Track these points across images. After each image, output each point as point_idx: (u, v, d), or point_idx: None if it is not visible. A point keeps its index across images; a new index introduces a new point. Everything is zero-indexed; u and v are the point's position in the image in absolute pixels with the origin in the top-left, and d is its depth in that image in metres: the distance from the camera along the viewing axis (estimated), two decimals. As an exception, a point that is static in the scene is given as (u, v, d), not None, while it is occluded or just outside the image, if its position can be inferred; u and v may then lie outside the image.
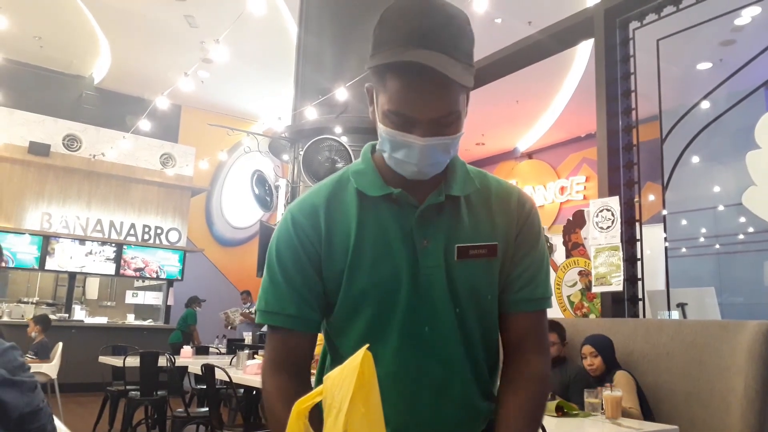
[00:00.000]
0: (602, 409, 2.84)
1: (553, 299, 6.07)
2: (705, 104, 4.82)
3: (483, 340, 1.06)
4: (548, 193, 11.51)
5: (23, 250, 9.51)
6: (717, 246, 8.68)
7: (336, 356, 1.10)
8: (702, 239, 8.91)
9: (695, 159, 8.34)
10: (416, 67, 0.89)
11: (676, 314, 4.32)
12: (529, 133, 11.37)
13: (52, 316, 7.63)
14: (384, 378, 0.76)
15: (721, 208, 8.68)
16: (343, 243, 1.03)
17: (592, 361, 3.22)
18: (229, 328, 9.72)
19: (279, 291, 1.04)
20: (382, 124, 0.99)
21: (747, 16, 6.87)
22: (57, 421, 1.65)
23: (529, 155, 12.10)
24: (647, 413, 2.99)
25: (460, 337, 1.03)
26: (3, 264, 8.96)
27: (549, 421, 2.38)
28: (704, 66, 8.18)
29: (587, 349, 3.26)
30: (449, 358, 1.03)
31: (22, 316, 9.03)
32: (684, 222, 8.86)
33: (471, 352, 1.05)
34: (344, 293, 1.03)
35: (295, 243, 1.04)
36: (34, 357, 6.16)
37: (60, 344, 6.44)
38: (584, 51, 8.09)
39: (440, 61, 0.89)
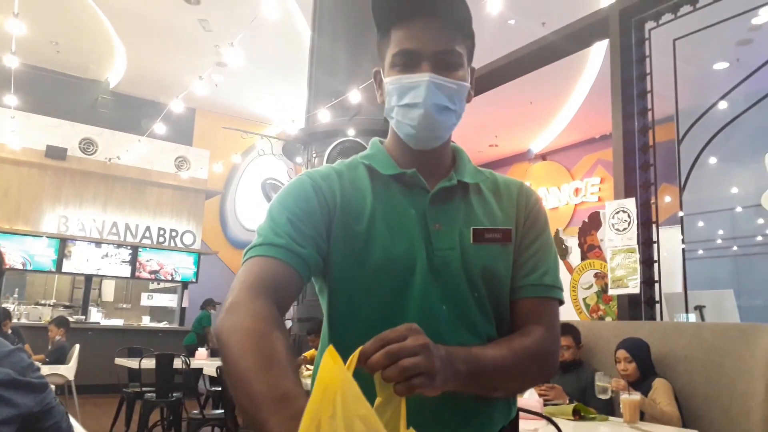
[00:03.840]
0: (612, 393, 2.89)
1: (569, 301, 6.06)
2: (722, 104, 4.77)
3: (497, 322, 1.04)
4: (562, 195, 11.45)
5: (41, 253, 9.62)
6: (735, 248, 8.57)
7: (342, 341, 1.00)
8: (719, 241, 8.81)
9: (713, 160, 8.25)
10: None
11: (693, 317, 4.26)
12: (542, 135, 11.31)
13: (69, 318, 7.71)
14: None
15: (739, 209, 8.58)
16: (358, 211, 1.01)
17: (626, 367, 3.10)
18: None
19: (276, 225, 0.97)
20: (388, 77, 1.03)
21: (764, 15, 6.77)
22: (74, 422, 1.67)
23: (543, 157, 12.04)
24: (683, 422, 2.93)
25: (479, 318, 1.01)
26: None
27: (566, 425, 2.36)
28: (721, 66, 8.10)
29: (621, 353, 3.14)
30: (467, 342, 0.98)
31: (40, 318, 9.14)
32: (701, 224, 8.77)
33: (489, 335, 1.02)
34: (360, 268, 0.99)
35: (310, 193, 1.01)
36: (47, 362, 6.21)
37: (77, 346, 6.50)
38: (599, 51, 8.04)
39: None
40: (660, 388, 2.96)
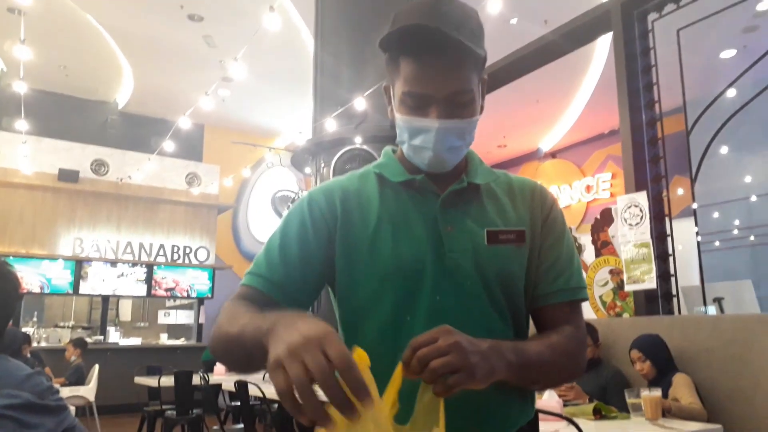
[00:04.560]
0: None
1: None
2: (731, 93, 4.72)
3: (513, 323, 1.04)
4: (574, 193, 11.37)
5: (57, 276, 9.70)
6: (752, 237, 8.46)
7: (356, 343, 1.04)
8: (736, 231, 8.70)
9: (724, 149, 8.16)
10: (427, 37, 0.93)
11: (712, 309, 4.21)
12: (551, 133, 11.26)
13: (88, 339, 7.76)
14: None
15: (753, 198, 8.47)
16: (363, 219, 1.03)
17: (641, 367, 3.06)
18: None
19: (271, 258, 1.04)
20: (398, 113, 1.02)
21: (769, 0, 6.72)
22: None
23: (553, 155, 11.97)
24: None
25: (492, 318, 1.00)
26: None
27: (587, 425, 2.33)
28: (728, 54, 8.02)
29: (634, 354, 3.10)
30: None
31: (59, 340, 9.20)
32: (716, 215, 8.67)
33: (506, 337, 1.01)
34: (367, 274, 1.00)
35: (306, 216, 1.05)
36: (67, 384, 6.25)
37: (96, 367, 6.53)
38: (603, 46, 8.00)
39: (449, 30, 0.93)
40: (681, 383, 2.91)
